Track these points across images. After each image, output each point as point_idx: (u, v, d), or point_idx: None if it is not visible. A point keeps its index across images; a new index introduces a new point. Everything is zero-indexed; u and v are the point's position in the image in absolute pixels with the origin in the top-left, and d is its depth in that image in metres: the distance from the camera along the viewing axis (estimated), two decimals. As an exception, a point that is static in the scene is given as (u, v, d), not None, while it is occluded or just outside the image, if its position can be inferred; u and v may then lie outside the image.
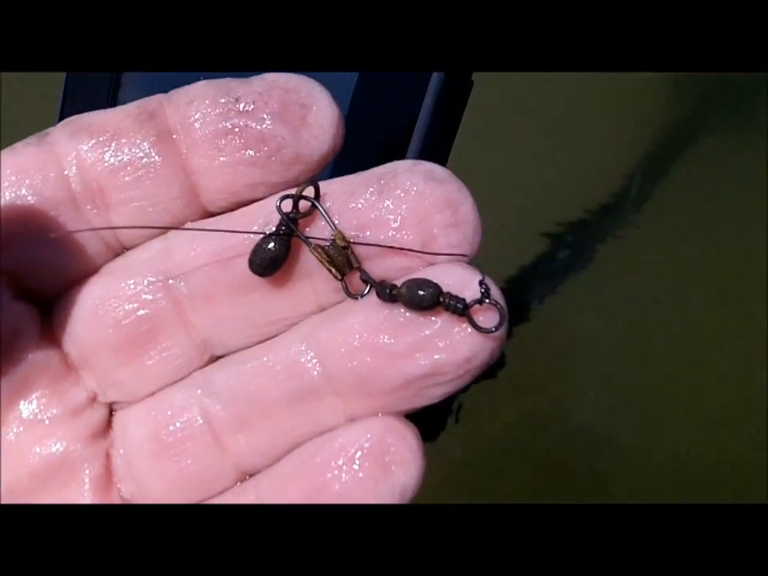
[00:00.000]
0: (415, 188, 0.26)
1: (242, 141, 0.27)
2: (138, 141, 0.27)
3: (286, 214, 0.27)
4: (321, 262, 0.27)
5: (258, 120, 0.27)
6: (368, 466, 0.26)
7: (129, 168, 0.27)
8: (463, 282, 0.26)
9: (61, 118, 0.29)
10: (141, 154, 0.27)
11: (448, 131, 0.39)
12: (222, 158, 0.27)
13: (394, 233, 0.26)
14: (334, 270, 0.27)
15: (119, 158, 0.27)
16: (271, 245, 0.27)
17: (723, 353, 1.06)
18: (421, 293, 0.25)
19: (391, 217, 0.26)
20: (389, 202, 0.26)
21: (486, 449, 1.04)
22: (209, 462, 0.28)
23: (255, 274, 0.27)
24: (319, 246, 0.27)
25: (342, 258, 0.27)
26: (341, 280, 0.27)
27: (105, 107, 0.29)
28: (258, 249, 0.27)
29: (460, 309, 0.25)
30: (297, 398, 0.27)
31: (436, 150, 0.37)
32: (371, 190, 0.27)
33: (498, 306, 0.26)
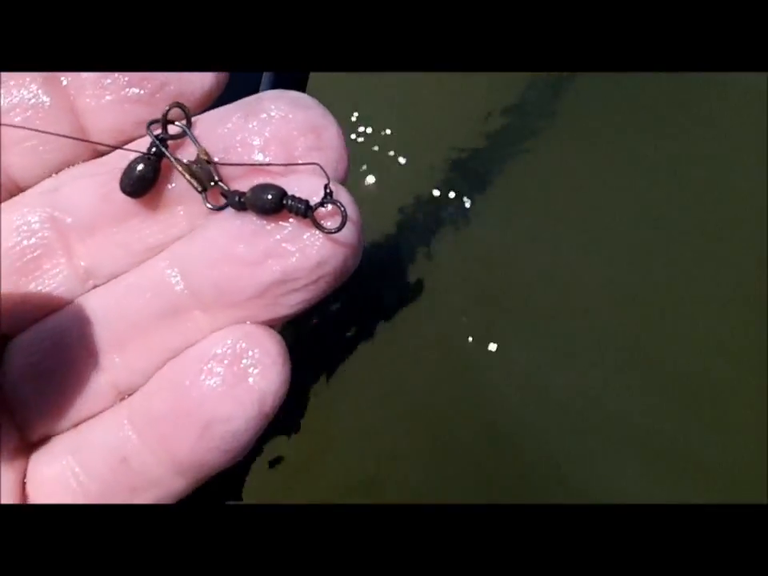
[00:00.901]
0: (280, 113, 0.27)
1: (126, 79, 0.28)
2: (26, 83, 0.29)
3: (156, 136, 0.28)
4: (182, 174, 0.28)
5: None
6: (224, 371, 0.27)
7: (18, 109, 0.29)
8: (312, 189, 0.27)
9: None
10: (29, 96, 0.29)
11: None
12: (108, 97, 0.28)
13: (258, 154, 0.27)
14: (195, 182, 0.28)
15: (8, 100, 0.29)
16: (141, 165, 0.28)
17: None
18: (265, 196, 0.26)
19: (255, 138, 0.27)
20: (254, 125, 0.27)
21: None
22: (87, 382, 0.29)
23: (125, 194, 0.28)
24: (184, 162, 0.28)
25: (204, 174, 0.28)
26: (201, 192, 0.28)
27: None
28: (128, 169, 0.28)
29: (302, 210, 0.26)
30: (165, 314, 0.28)
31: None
32: (238, 114, 0.28)
33: (341, 208, 0.26)
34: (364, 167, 1.25)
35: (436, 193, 1.25)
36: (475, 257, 1.20)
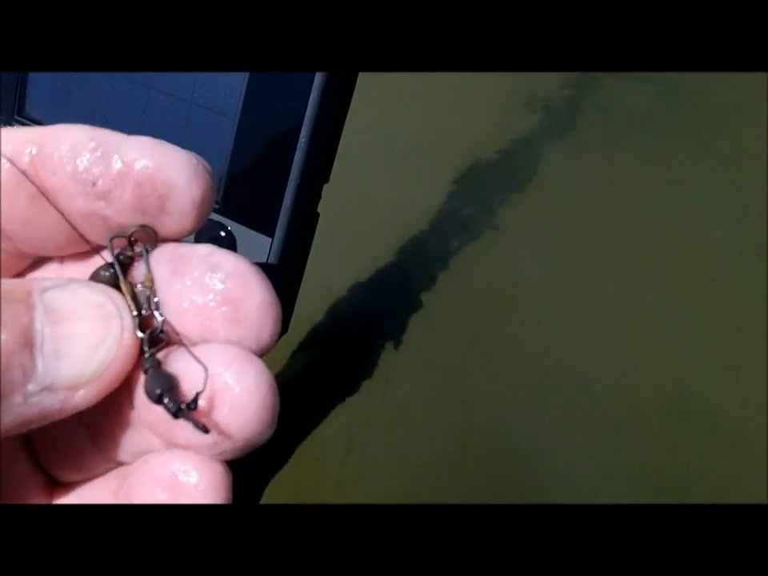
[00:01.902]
0: (199, 281, 0.27)
1: (105, 227, 0.28)
2: (17, 202, 0.28)
3: (117, 255, 0.28)
4: (124, 293, 0.28)
5: (117, 211, 0.28)
6: (161, 492, 0.28)
7: (16, 225, 0.29)
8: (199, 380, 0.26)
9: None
10: (21, 215, 0.29)
11: (335, 123, 0.42)
12: (92, 232, 0.28)
13: (179, 318, 0.27)
14: (133, 304, 0.27)
15: (6, 218, 0.29)
16: (108, 272, 0.28)
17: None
18: (151, 388, 0.26)
19: (176, 303, 0.27)
20: (177, 288, 0.27)
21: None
22: (84, 454, 0.31)
23: None
24: (129, 282, 0.28)
25: (143, 297, 0.28)
26: (135, 316, 0.27)
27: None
28: (95, 274, 0.28)
29: (172, 411, 0.25)
30: (129, 427, 0.29)
31: (324, 140, 0.40)
32: (170, 269, 0.28)
33: (198, 426, 0.25)
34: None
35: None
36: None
